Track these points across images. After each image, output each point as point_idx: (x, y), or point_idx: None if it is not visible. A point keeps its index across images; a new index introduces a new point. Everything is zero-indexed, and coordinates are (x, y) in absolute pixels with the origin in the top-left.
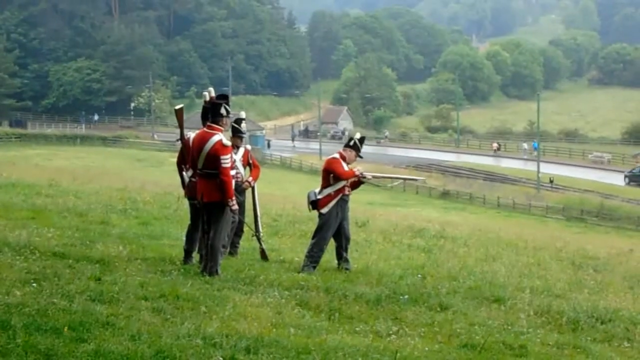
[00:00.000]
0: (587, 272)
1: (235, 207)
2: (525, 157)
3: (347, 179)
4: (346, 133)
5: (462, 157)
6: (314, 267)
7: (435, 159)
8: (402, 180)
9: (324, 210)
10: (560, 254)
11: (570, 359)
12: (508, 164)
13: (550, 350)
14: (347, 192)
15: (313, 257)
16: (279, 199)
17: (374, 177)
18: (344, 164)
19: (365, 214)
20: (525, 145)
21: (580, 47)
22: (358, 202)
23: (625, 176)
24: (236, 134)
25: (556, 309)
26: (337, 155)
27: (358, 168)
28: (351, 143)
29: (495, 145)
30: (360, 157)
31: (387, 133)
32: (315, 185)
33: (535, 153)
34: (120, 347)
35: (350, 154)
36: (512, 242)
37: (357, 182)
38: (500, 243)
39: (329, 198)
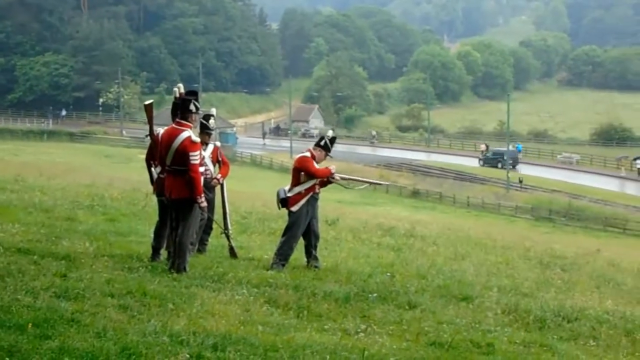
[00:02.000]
0: (554, 272)
1: (204, 204)
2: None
3: (321, 178)
4: (317, 132)
5: (432, 156)
6: (283, 265)
7: (406, 158)
8: (368, 185)
9: (294, 208)
10: (528, 253)
11: (537, 357)
12: (477, 164)
13: (517, 349)
14: (317, 191)
15: (282, 254)
16: (249, 196)
17: (342, 178)
18: (315, 163)
19: (335, 212)
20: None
21: (551, 48)
22: (328, 200)
23: (480, 159)
24: (204, 130)
25: (524, 307)
26: (307, 154)
27: (333, 167)
28: (322, 143)
29: (483, 146)
30: (330, 156)
31: (374, 132)
32: (285, 183)
33: (520, 155)
34: (85, 344)
35: (319, 153)
36: (481, 241)
37: (326, 181)
38: (469, 242)
39: (299, 196)
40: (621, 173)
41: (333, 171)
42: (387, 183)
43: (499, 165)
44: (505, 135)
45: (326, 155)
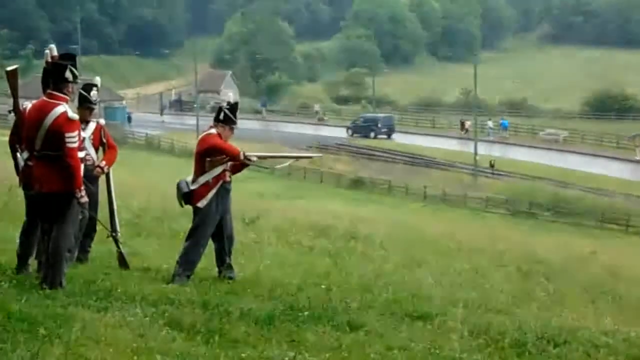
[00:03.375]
0: (536, 281)
1: (85, 199)
2: (492, 138)
3: (235, 156)
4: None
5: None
6: (188, 277)
7: (345, 138)
8: (294, 160)
9: (201, 203)
10: (503, 258)
11: None
12: (438, 144)
13: None
14: (227, 179)
15: (187, 263)
16: (143, 189)
17: (260, 157)
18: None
19: (254, 208)
20: (490, 124)
21: None
22: (245, 193)
23: (348, 128)
24: (84, 104)
25: (497, 328)
26: (212, 131)
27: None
28: (221, 116)
29: (468, 123)
30: (235, 127)
31: (317, 107)
32: (190, 171)
33: (506, 134)
34: None
35: (223, 129)
36: (442, 243)
37: (240, 165)
38: (427, 245)
39: (206, 188)
40: (637, 156)
41: (245, 153)
42: (318, 155)
43: (372, 134)
44: (472, 107)
45: (232, 129)
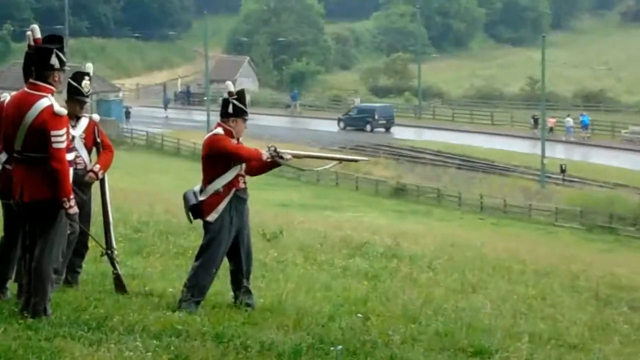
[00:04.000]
0: (618, 311)
1: (74, 210)
2: (572, 139)
3: (246, 160)
4: (248, 99)
5: (425, 133)
6: (198, 303)
7: (385, 138)
8: (337, 163)
9: (211, 217)
10: (576, 282)
11: None
12: (498, 145)
13: None
14: (241, 186)
15: (197, 287)
16: (145, 197)
17: (295, 156)
18: (233, 141)
19: (277, 221)
20: (570, 121)
21: None
22: (265, 203)
23: (340, 120)
24: (74, 96)
25: None
26: (218, 130)
27: (272, 145)
28: (229, 109)
29: (552, 121)
30: (247, 118)
31: (356, 100)
32: (199, 176)
33: (587, 133)
34: None
35: (235, 123)
36: (503, 263)
37: (267, 164)
38: (484, 265)
39: (216, 198)
40: None
41: (269, 152)
42: (364, 159)
43: (368, 127)
44: (540, 100)
45: (244, 121)
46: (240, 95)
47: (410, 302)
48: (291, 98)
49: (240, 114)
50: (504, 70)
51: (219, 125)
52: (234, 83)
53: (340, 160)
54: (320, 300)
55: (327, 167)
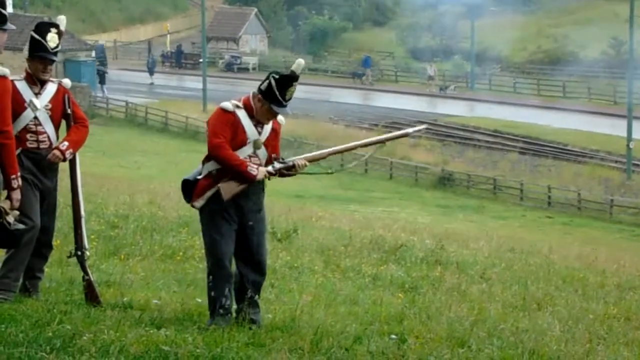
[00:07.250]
0: None
1: (17, 195)
2: None
3: (222, 165)
4: (254, 61)
5: (477, 108)
6: (225, 315)
7: (427, 113)
8: (378, 146)
9: (198, 203)
10: None
11: None
12: (571, 124)
13: None
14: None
15: (213, 301)
16: (123, 185)
17: (311, 159)
18: (250, 123)
19: (290, 217)
20: None
21: None
22: (276, 194)
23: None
24: (37, 52)
25: None
26: (226, 105)
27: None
28: (262, 86)
29: None
30: (282, 112)
31: (432, 70)
32: (190, 159)
33: None
34: None
35: (259, 105)
36: (576, 274)
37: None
38: (553, 276)
39: (207, 181)
40: None
41: (257, 170)
42: (421, 127)
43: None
44: (627, 67)
45: (270, 110)
46: (283, 81)
47: (458, 321)
48: (363, 63)
49: (269, 97)
50: (580, 29)
51: (243, 99)
52: (237, 41)
53: (380, 142)
54: (344, 317)
55: (370, 154)
